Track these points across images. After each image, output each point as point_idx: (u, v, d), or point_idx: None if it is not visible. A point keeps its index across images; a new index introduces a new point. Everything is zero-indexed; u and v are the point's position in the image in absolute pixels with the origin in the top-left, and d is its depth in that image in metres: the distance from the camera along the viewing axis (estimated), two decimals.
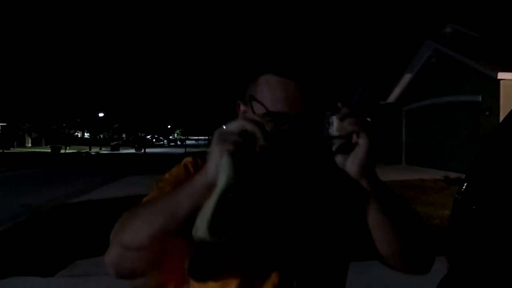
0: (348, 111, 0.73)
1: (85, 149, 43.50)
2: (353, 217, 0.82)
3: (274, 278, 0.79)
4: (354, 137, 0.73)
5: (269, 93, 0.81)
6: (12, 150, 39.72)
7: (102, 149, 46.91)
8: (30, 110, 43.30)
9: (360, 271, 3.75)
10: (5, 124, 44.06)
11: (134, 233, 0.73)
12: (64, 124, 50.56)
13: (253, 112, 0.82)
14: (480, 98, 11.98)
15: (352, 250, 0.91)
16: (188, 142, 67.26)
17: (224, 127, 0.69)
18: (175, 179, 0.86)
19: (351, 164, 0.75)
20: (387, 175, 12.32)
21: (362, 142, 0.73)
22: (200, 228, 0.60)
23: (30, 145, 49.11)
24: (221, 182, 0.62)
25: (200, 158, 0.91)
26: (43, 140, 49.93)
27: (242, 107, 0.90)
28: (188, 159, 0.91)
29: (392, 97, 17.19)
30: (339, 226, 0.85)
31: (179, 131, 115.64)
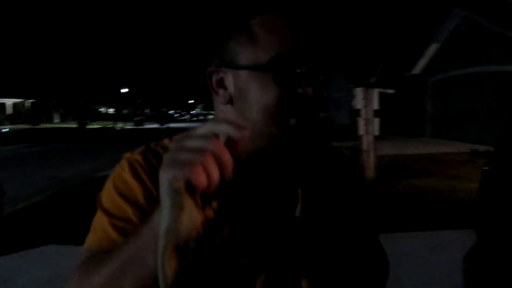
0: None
1: (110, 124, 44.45)
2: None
3: None
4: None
5: (269, 35, 0.60)
6: (41, 125, 41.01)
7: (127, 124, 47.80)
8: (57, 87, 44.38)
9: (388, 244, 3.79)
10: (34, 100, 45.40)
11: None
12: (89, 100, 51.56)
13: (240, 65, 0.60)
14: (511, 68, 11.47)
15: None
16: (210, 117, 67.54)
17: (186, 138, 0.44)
18: (124, 199, 0.62)
19: None
20: (411, 148, 12.13)
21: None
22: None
23: (58, 120, 50.54)
24: (162, 239, 0.41)
25: (152, 153, 0.65)
26: (70, 116, 51.25)
27: (216, 76, 0.64)
28: (135, 156, 0.65)
29: (417, 69, 16.68)
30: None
31: (201, 106, 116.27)
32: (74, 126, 37.22)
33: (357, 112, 6.62)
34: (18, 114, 45.00)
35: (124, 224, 0.60)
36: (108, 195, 0.64)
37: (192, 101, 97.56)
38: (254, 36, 0.60)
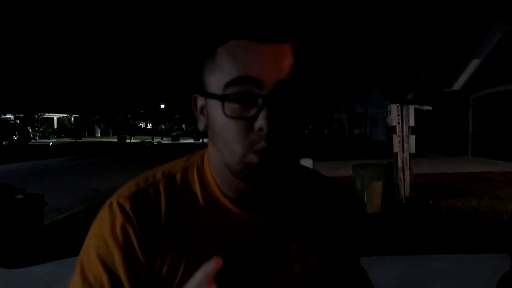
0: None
1: (148, 138, 45.81)
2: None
3: None
4: None
5: (230, 60, 0.55)
6: (83, 139, 42.86)
7: (164, 139, 49.05)
8: (99, 103, 46.41)
9: (421, 265, 3.67)
10: (78, 115, 47.67)
11: None
12: (129, 115, 53.50)
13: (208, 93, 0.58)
14: None
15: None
16: None
17: None
18: (102, 264, 0.59)
19: None
20: (450, 166, 11.68)
21: None
22: None
23: (99, 135, 52.67)
24: None
25: (143, 196, 0.62)
26: (110, 130, 53.30)
27: (199, 102, 0.62)
28: (121, 203, 0.61)
29: (457, 85, 16.16)
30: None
31: None
32: (114, 140, 38.62)
33: (392, 129, 6.50)
34: (63, 128, 47.34)
35: None
36: (87, 255, 0.60)
37: None
38: (217, 62, 0.57)
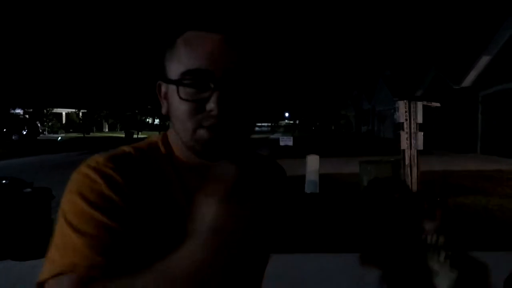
0: None
1: (155, 134, 45.95)
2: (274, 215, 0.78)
3: None
4: None
5: (186, 51, 0.63)
6: (91, 134, 43.16)
7: None
8: (107, 98, 46.66)
9: None
10: (86, 111, 47.99)
11: None
12: (136, 111, 53.74)
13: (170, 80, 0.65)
14: None
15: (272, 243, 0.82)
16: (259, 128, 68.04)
17: None
18: (107, 215, 0.59)
19: None
20: (459, 164, 11.58)
21: None
22: None
23: (107, 130, 53.00)
24: None
25: (123, 157, 0.66)
26: (118, 126, 53.59)
27: (163, 88, 0.70)
28: (106, 164, 0.63)
29: (467, 81, 15.99)
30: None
31: None
32: (121, 135, 38.86)
33: (400, 126, 6.45)
34: (71, 123, 47.71)
35: (110, 243, 0.57)
36: (79, 212, 0.59)
37: None
38: (176, 52, 0.65)
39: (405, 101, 6.31)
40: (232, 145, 0.65)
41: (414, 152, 6.48)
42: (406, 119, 6.35)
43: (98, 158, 0.65)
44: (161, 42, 0.69)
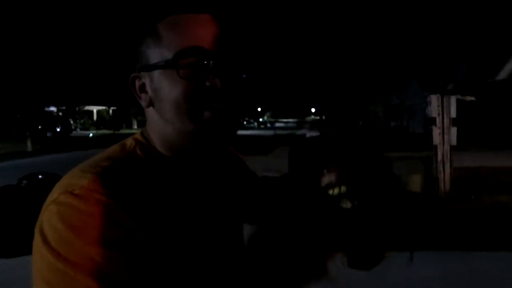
0: None
1: None
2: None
3: None
4: None
5: (175, 34, 0.60)
6: (121, 131, 44.26)
7: None
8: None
9: (462, 262, 3.55)
10: (116, 108, 49.24)
11: None
12: None
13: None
14: None
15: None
16: (277, 124, 67.84)
17: None
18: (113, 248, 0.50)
19: None
20: (495, 160, 11.14)
21: None
22: None
23: (136, 127, 54.18)
24: None
25: (117, 173, 0.57)
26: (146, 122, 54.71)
27: (138, 82, 0.65)
28: (101, 189, 0.53)
29: (502, 74, 15.35)
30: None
31: (269, 113, 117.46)
32: None
33: (431, 121, 6.25)
34: (102, 120, 49.05)
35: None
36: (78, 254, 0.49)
37: (260, 109, 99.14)
38: (160, 37, 0.61)
39: (437, 95, 6.11)
40: (237, 127, 0.63)
41: (447, 148, 6.28)
42: (439, 114, 6.15)
43: (81, 181, 0.53)
44: (136, 30, 0.65)
